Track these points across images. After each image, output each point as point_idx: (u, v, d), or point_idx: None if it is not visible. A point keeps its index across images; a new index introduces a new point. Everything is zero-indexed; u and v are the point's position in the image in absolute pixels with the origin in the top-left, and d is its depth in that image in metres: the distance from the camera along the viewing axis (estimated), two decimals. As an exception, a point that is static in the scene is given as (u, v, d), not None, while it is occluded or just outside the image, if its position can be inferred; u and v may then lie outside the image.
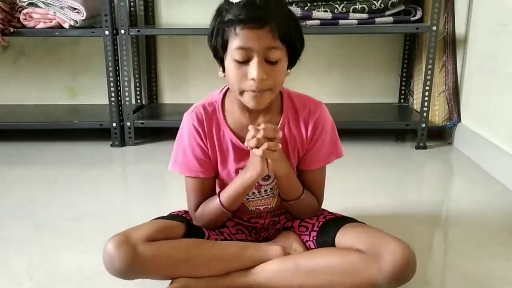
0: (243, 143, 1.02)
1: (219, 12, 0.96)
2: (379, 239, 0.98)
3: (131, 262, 0.97)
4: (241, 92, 0.97)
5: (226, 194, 1.06)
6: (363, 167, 1.97)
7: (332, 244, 1.04)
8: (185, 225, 1.08)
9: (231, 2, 0.93)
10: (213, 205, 1.07)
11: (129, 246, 0.97)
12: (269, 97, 0.98)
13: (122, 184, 1.90)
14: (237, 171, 1.07)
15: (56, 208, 1.57)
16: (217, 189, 1.14)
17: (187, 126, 1.06)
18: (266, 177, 1.08)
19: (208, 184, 1.10)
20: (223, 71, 0.99)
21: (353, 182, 1.79)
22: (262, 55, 0.92)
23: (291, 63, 1.00)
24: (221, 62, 0.99)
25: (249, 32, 0.90)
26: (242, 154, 1.05)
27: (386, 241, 0.97)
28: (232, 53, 0.93)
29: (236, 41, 0.91)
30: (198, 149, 1.05)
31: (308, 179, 1.11)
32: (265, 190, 1.11)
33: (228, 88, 1.07)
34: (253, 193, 1.11)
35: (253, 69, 0.92)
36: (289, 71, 1.01)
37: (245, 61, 0.93)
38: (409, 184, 1.82)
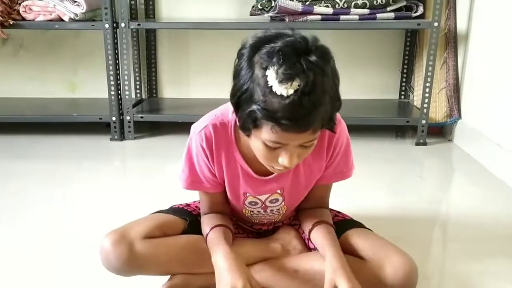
0: (254, 171, 0.98)
1: (253, 78, 0.77)
2: (382, 250, 0.97)
3: (128, 260, 0.96)
4: (268, 165, 0.88)
5: (210, 243, 0.98)
6: (362, 163, 1.94)
7: None
8: (186, 221, 1.06)
9: (272, 90, 0.75)
10: (204, 229, 1.03)
11: (126, 243, 0.96)
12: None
13: (121, 178, 1.90)
14: (244, 195, 1.02)
15: (54, 202, 1.57)
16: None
17: (194, 144, 0.97)
18: (274, 200, 1.04)
19: (218, 197, 1.05)
20: (247, 135, 0.85)
21: (352, 178, 1.77)
22: (298, 144, 0.82)
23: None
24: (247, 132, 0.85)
25: (288, 135, 0.78)
26: (252, 181, 1.00)
27: (389, 252, 0.95)
28: (263, 139, 0.81)
29: (271, 136, 0.79)
30: (206, 169, 0.99)
31: (319, 192, 1.07)
32: (272, 210, 1.07)
33: None
34: (259, 212, 1.07)
35: (285, 158, 0.82)
36: None
37: (277, 147, 0.82)
38: (408, 181, 1.81)
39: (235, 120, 0.92)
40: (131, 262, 0.96)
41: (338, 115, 0.98)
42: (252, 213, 1.08)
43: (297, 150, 0.83)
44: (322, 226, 1.01)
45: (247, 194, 1.03)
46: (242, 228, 1.15)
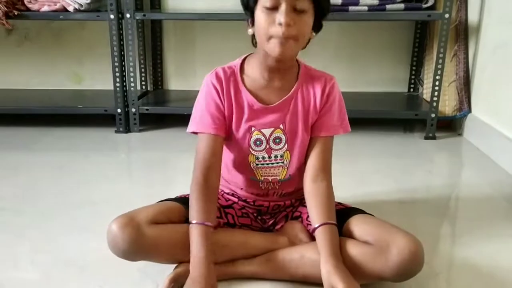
0: (259, 101, 1.08)
1: None
2: (386, 232, 0.97)
3: (135, 243, 0.96)
4: (268, 38, 0.99)
5: (192, 238, 0.99)
6: (371, 157, 1.94)
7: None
8: (186, 209, 1.06)
9: None
10: (190, 211, 1.02)
11: (133, 226, 0.97)
12: (293, 47, 1.00)
13: (127, 171, 1.89)
14: (249, 129, 1.09)
15: (60, 194, 1.56)
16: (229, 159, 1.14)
17: (205, 85, 1.10)
18: (277, 140, 1.10)
19: (216, 143, 1.07)
20: (252, 25, 1.03)
21: (360, 172, 1.76)
22: (290, 4, 0.96)
23: (317, 26, 1.04)
24: (251, 15, 1.02)
25: None
26: (255, 113, 1.09)
27: (393, 234, 0.96)
28: (262, 1, 0.98)
29: None
30: (213, 106, 1.08)
31: (318, 146, 1.10)
32: (275, 156, 1.11)
33: (247, 56, 1.12)
34: (263, 158, 1.11)
35: (281, 15, 0.96)
36: (313, 34, 1.05)
37: (274, 8, 0.97)
38: (417, 175, 1.79)
39: (242, 62, 1.11)
40: (138, 245, 0.97)
41: (335, 78, 1.13)
42: (257, 161, 1.11)
43: (291, 14, 0.97)
44: (325, 228, 1.01)
45: (252, 129, 1.09)
46: (247, 208, 1.16)
